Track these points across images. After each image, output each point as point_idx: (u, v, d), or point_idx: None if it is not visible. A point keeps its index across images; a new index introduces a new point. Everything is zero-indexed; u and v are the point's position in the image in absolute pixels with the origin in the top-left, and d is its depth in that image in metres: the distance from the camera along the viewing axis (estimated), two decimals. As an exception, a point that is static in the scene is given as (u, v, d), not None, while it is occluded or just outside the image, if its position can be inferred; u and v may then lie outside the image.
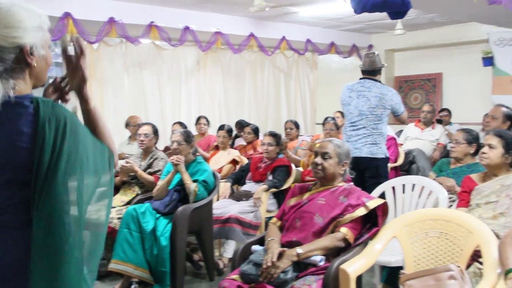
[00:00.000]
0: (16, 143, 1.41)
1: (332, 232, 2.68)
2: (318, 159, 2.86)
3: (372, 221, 2.75)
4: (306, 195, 2.88)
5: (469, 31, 8.28)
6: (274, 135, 4.98)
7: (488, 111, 4.38)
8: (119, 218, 4.06)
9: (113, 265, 3.81)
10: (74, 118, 1.48)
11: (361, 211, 2.67)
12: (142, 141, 4.51)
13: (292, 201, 2.91)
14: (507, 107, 4.34)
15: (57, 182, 1.41)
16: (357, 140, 4.58)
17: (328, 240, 2.63)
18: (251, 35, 7.45)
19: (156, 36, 6.40)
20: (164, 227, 3.88)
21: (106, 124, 1.69)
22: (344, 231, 2.64)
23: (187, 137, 4.21)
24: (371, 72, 4.69)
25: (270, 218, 5.13)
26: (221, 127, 6.03)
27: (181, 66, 7.58)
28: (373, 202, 2.71)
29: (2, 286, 1.43)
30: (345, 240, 2.64)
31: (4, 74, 1.44)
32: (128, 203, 4.33)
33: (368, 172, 4.51)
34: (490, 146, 3.15)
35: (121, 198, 4.42)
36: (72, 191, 1.45)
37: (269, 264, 2.47)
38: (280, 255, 2.53)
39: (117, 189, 4.61)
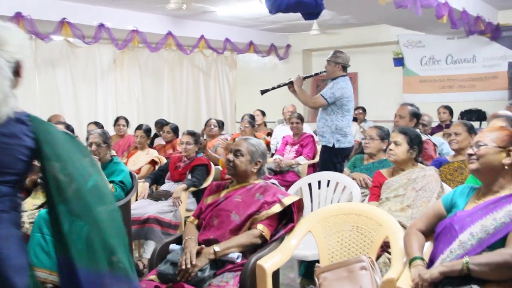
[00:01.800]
0: (20, 156, 1.71)
1: (249, 229, 2.71)
2: (230, 156, 2.90)
3: (288, 217, 2.81)
4: (223, 193, 2.89)
5: (381, 33, 8.67)
6: (193, 134, 4.96)
7: (396, 111, 4.60)
8: (31, 223, 3.87)
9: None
10: (54, 129, 1.83)
11: (276, 208, 2.72)
12: None
13: (209, 199, 2.91)
14: (411, 105, 4.57)
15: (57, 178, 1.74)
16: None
17: (245, 237, 2.65)
18: (169, 33, 7.37)
19: (69, 33, 6.17)
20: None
21: None
22: (260, 228, 2.68)
23: (106, 138, 4.11)
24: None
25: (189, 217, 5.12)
26: (139, 127, 5.92)
27: (97, 64, 7.38)
28: (288, 198, 2.76)
29: None
30: (261, 236, 2.68)
31: (11, 91, 1.69)
32: (41, 206, 4.14)
33: None
34: (396, 143, 3.32)
35: (32, 202, 4.21)
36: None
37: (188, 266, 2.46)
38: (198, 253, 2.53)
39: (28, 192, 4.41)
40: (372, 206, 2.97)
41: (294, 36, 9.68)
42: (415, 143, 3.29)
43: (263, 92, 5.11)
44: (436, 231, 2.28)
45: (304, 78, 5.10)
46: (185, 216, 4.59)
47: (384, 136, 4.13)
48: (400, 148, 3.28)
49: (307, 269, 3.61)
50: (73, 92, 7.08)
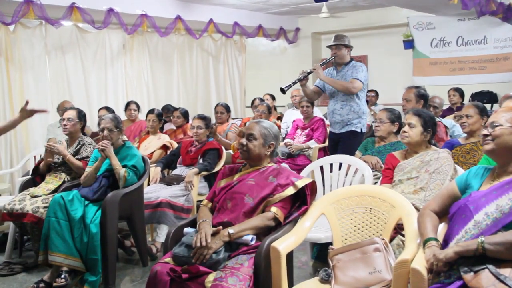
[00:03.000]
0: None
1: (263, 211, 2.72)
2: (243, 140, 2.89)
3: (301, 200, 2.81)
4: (236, 176, 2.90)
5: (390, 15, 8.59)
6: (203, 118, 4.97)
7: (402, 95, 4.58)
8: (45, 207, 3.92)
9: (42, 257, 3.71)
10: None
11: (290, 190, 2.73)
12: (65, 125, 4.37)
13: (223, 183, 2.92)
14: (416, 87, 4.55)
15: None
16: None
17: (259, 220, 2.66)
18: (178, 17, 7.34)
19: (79, 18, 6.15)
20: (93, 214, 3.79)
21: None
22: (274, 210, 2.68)
23: (117, 123, 4.13)
24: None
25: (201, 201, 5.15)
26: (151, 111, 5.95)
27: (106, 49, 7.37)
28: (302, 181, 2.77)
29: None
30: (275, 219, 2.69)
31: None
32: (55, 191, 4.19)
33: None
34: (410, 125, 3.31)
35: (46, 187, 4.26)
36: None
37: (204, 244, 2.48)
38: (213, 235, 2.55)
39: (42, 177, 4.45)
40: (385, 188, 2.95)
41: (303, 19, 9.61)
42: (429, 125, 3.28)
43: (284, 90, 4.84)
44: (451, 212, 2.28)
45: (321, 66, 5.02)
46: (197, 200, 4.63)
47: (394, 118, 4.12)
48: (414, 130, 3.28)
49: (320, 252, 3.64)
50: (83, 78, 7.09)
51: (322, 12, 7.89)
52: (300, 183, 2.75)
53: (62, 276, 3.72)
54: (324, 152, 6.11)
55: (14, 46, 6.22)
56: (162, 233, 4.41)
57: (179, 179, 4.67)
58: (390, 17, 8.66)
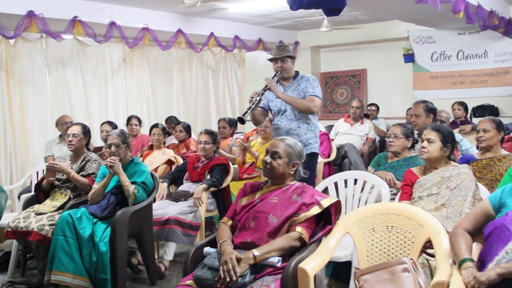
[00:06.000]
0: None
1: (287, 231, 2.63)
2: (268, 158, 2.81)
3: (325, 219, 2.74)
4: (258, 194, 2.82)
5: (391, 28, 8.60)
6: (211, 133, 4.89)
7: (410, 110, 4.51)
8: (51, 225, 3.82)
9: (49, 277, 3.58)
10: None
11: (315, 210, 2.64)
12: (70, 141, 4.25)
13: (244, 201, 2.83)
14: (424, 102, 4.50)
15: None
16: None
17: (284, 241, 2.58)
18: (179, 31, 7.28)
19: (80, 32, 6.06)
20: (102, 232, 3.69)
21: None
22: (299, 230, 2.60)
23: (125, 139, 4.03)
24: None
25: (209, 217, 5.05)
26: (156, 125, 5.86)
27: (107, 63, 7.26)
28: (327, 200, 2.69)
29: None
30: (300, 239, 2.61)
31: None
32: (60, 208, 4.08)
33: None
34: (429, 141, 3.25)
35: (51, 204, 4.15)
36: None
37: (234, 279, 2.39)
38: (238, 261, 2.46)
39: (46, 194, 4.33)
40: (411, 206, 2.89)
41: (302, 33, 9.60)
42: (448, 140, 3.23)
43: (243, 119, 4.02)
44: (485, 231, 2.21)
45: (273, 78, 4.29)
46: (205, 216, 4.53)
47: (409, 134, 4.08)
48: (433, 146, 3.22)
49: (334, 270, 3.57)
50: (84, 91, 6.99)
51: (323, 26, 7.88)
52: (326, 203, 2.67)
53: (70, 297, 3.61)
54: (329, 166, 6.06)
55: (14, 60, 6.11)
56: (170, 251, 4.31)
57: (186, 196, 4.57)
58: (390, 31, 8.66)
